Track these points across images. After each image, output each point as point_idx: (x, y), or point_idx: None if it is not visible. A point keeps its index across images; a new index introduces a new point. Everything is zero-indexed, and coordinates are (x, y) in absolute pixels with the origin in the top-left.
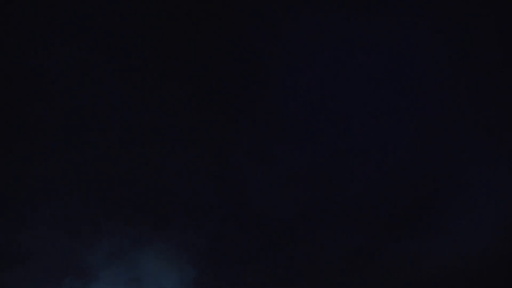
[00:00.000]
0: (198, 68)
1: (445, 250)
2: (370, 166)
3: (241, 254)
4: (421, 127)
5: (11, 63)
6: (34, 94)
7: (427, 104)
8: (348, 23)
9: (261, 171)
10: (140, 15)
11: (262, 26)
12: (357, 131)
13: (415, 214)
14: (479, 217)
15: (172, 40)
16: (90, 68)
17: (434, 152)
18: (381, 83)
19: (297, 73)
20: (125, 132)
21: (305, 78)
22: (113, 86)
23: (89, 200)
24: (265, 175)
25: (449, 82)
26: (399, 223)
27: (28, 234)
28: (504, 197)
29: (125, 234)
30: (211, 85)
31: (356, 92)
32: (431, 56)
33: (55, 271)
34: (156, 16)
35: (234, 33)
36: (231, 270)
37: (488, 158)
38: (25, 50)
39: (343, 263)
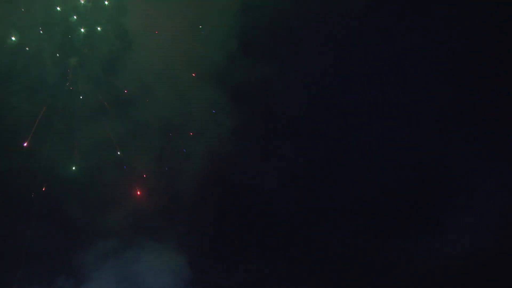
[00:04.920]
0: (199, 64)
1: (445, 249)
2: (370, 165)
3: (238, 254)
4: (422, 127)
5: None
6: (33, 89)
7: (428, 104)
8: (349, 20)
9: (260, 170)
10: None
11: (263, 22)
12: (358, 130)
13: (416, 212)
14: (479, 217)
15: (174, 33)
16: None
17: (435, 152)
18: (381, 83)
19: (297, 70)
20: (124, 131)
21: (305, 75)
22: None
23: (85, 199)
24: (264, 174)
25: (450, 82)
26: (400, 222)
27: (24, 233)
28: (504, 197)
29: (121, 234)
30: (211, 81)
31: (356, 91)
32: (432, 55)
33: (49, 269)
34: None
35: (234, 28)
36: (228, 270)
37: (489, 157)
38: None
39: (342, 262)
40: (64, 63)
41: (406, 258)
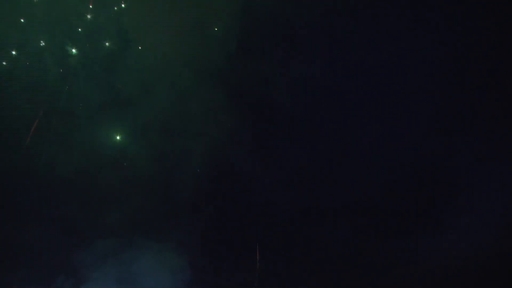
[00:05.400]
0: (198, 63)
1: (444, 249)
2: (370, 165)
3: (238, 254)
4: (422, 126)
5: None
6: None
7: (428, 104)
8: (350, 20)
9: (260, 170)
10: None
11: (263, 19)
12: (358, 130)
13: (416, 212)
14: (479, 217)
15: (173, 33)
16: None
17: (434, 151)
18: (381, 82)
19: (297, 69)
20: (123, 131)
21: (306, 75)
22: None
23: (85, 200)
24: (264, 174)
25: (451, 81)
26: (400, 221)
27: (21, 232)
28: (504, 197)
29: (120, 234)
30: (210, 80)
31: (357, 90)
32: (432, 55)
33: (47, 269)
34: None
35: (234, 27)
36: (228, 270)
37: (489, 157)
38: None
39: (342, 262)
40: (64, 63)
41: (406, 258)
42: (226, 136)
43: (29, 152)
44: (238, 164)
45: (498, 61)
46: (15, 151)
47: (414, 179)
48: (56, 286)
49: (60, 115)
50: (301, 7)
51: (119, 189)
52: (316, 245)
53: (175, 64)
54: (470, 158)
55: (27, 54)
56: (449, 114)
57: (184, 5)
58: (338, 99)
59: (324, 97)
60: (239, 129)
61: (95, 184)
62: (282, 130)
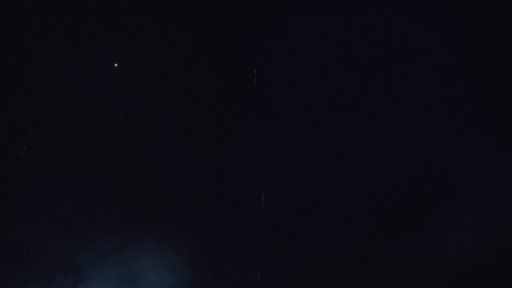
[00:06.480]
0: (198, 63)
1: (446, 247)
2: (371, 163)
3: (238, 253)
4: (423, 125)
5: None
6: (32, 92)
7: (429, 102)
8: (351, 17)
9: (260, 168)
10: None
11: (262, 19)
12: (358, 128)
13: (416, 211)
14: (480, 215)
15: (174, 35)
16: (89, 63)
17: (435, 150)
18: (382, 81)
19: (298, 67)
20: (123, 130)
21: (306, 72)
22: (113, 81)
23: (85, 199)
24: (264, 172)
25: (451, 80)
26: (400, 220)
27: (22, 231)
28: (505, 195)
29: (120, 233)
30: (211, 80)
31: (357, 88)
32: (433, 54)
33: (47, 268)
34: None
35: (234, 28)
36: (228, 269)
37: (489, 156)
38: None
39: (343, 260)
40: (65, 64)
41: (406, 258)
42: (227, 135)
43: (29, 152)
44: (239, 163)
45: (498, 61)
46: (15, 152)
47: (415, 179)
48: (56, 284)
49: (60, 115)
50: (302, 7)
51: (119, 189)
52: (316, 245)
53: (175, 64)
54: (470, 158)
55: (28, 56)
56: (449, 114)
57: (185, 6)
58: (338, 99)
59: (324, 96)
60: (240, 129)
61: (95, 184)
62: (283, 130)
